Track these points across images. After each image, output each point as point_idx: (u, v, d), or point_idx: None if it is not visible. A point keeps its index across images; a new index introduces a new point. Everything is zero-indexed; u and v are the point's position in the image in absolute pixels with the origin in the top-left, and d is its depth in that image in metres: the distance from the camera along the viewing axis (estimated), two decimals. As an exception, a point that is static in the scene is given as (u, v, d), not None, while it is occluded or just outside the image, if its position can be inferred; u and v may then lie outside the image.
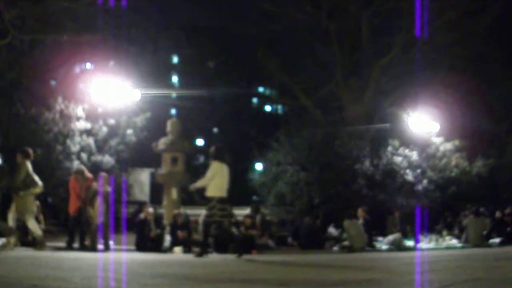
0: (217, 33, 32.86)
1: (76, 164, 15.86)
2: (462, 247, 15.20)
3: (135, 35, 20.19)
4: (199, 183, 10.75)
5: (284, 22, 22.55)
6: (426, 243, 15.50)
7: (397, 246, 14.92)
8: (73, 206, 12.73)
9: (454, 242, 15.91)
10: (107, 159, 16.59)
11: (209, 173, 10.54)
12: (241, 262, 10.02)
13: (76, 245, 12.54)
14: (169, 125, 17.98)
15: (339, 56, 23.02)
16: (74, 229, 12.70)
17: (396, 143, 19.18)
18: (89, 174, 13.03)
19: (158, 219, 14.11)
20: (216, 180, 10.47)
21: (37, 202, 13.28)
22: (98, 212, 12.32)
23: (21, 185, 11.40)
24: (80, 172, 12.88)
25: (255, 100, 43.65)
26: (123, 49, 18.40)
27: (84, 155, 16.13)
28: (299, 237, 15.49)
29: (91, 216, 12.44)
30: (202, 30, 35.51)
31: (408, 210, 18.05)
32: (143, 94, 17.22)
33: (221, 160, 10.65)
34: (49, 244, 12.67)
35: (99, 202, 12.31)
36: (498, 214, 16.80)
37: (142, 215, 13.46)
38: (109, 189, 12.66)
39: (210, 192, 10.50)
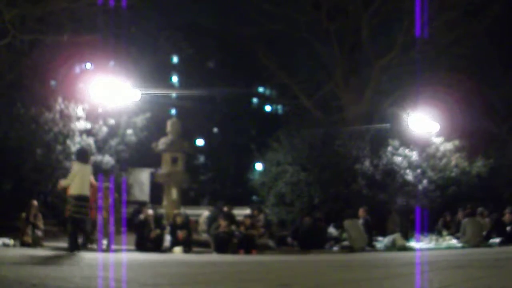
0: (217, 33, 32.83)
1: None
2: (462, 247, 15.19)
3: (135, 35, 20.14)
4: (63, 183, 11.54)
5: (284, 22, 22.55)
6: (426, 243, 15.49)
7: (397, 246, 14.93)
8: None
9: (454, 242, 15.90)
10: (107, 159, 16.59)
11: (71, 173, 11.38)
12: (241, 262, 10.02)
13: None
14: (169, 125, 18.00)
15: (339, 56, 23.01)
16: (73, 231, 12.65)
17: (396, 143, 19.17)
18: (94, 182, 12.94)
19: (158, 219, 14.10)
20: (76, 179, 11.29)
21: (35, 202, 13.30)
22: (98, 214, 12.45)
23: None
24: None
25: (255, 100, 43.62)
26: (123, 49, 18.39)
27: (84, 155, 16.11)
28: (298, 237, 15.49)
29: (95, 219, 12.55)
30: (202, 30, 35.47)
31: (407, 209, 18.06)
32: (143, 94, 17.21)
33: (82, 161, 11.50)
34: (49, 244, 12.69)
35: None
36: (495, 215, 16.80)
37: (141, 216, 13.45)
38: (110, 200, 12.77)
39: (71, 190, 11.33)
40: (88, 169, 11.64)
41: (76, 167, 11.42)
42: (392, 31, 22.32)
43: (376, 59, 22.38)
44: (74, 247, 11.28)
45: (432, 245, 15.43)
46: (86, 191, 11.46)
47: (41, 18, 15.77)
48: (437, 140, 20.28)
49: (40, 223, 13.21)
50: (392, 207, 18.09)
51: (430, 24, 19.92)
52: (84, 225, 11.60)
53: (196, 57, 38.96)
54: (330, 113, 23.49)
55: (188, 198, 22.35)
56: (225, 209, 15.67)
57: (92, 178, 12.91)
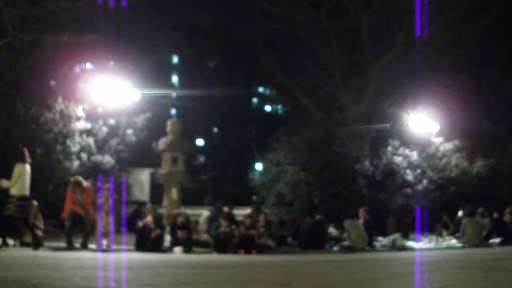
0: (217, 33, 32.84)
1: (76, 164, 15.86)
2: (462, 247, 15.19)
3: (135, 35, 20.16)
4: (6, 184, 11.64)
5: (284, 22, 22.54)
6: (426, 243, 15.49)
7: (397, 246, 14.93)
8: (66, 211, 12.69)
9: (454, 242, 15.91)
10: (107, 159, 16.58)
11: (15, 175, 11.55)
12: (241, 262, 10.02)
13: (77, 245, 12.53)
14: (169, 125, 18.00)
15: (339, 56, 23.01)
16: (71, 230, 12.64)
17: (396, 143, 19.17)
18: (86, 184, 12.94)
19: (158, 219, 14.08)
20: (20, 180, 11.53)
21: (35, 202, 13.28)
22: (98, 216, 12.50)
23: None
24: (78, 184, 12.80)
25: (255, 100, 43.60)
26: (123, 49, 18.39)
27: (84, 155, 16.13)
28: (298, 237, 15.48)
29: (93, 219, 12.59)
30: (202, 30, 35.48)
31: (407, 209, 18.06)
32: (143, 94, 17.21)
33: (23, 161, 11.71)
34: (49, 244, 12.69)
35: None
36: (495, 215, 16.80)
37: (140, 224, 13.26)
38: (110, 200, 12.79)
39: (13, 191, 11.51)
40: (28, 168, 11.79)
41: (19, 168, 11.56)
42: (392, 31, 22.32)
43: (376, 59, 22.38)
44: (37, 243, 11.44)
45: (432, 245, 15.43)
46: (28, 191, 11.67)
47: (41, 18, 15.77)
48: (437, 140, 20.28)
49: (40, 223, 13.20)
50: (392, 208, 18.09)
51: (430, 24, 19.92)
52: (23, 225, 11.73)
53: (196, 57, 38.98)
54: (330, 113, 23.48)
55: (188, 198, 22.35)
56: (226, 209, 15.66)
57: (84, 182, 12.93)
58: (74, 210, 12.50)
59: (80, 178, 13.05)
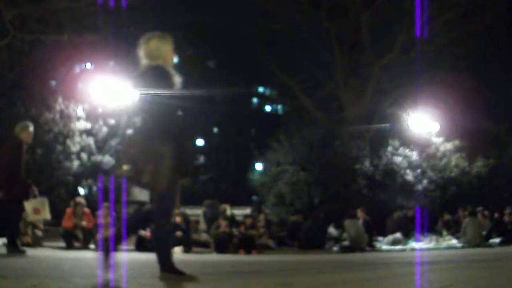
0: (217, 33, 32.81)
1: (76, 164, 15.86)
2: (462, 247, 15.20)
3: (135, 35, 20.13)
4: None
5: (284, 22, 22.55)
6: (426, 243, 15.49)
7: (397, 246, 14.92)
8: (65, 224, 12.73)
9: (454, 242, 15.91)
10: (107, 159, 16.59)
11: None
12: (241, 262, 10.02)
13: (77, 245, 12.54)
14: (169, 125, 17.98)
15: (339, 56, 23.01)
16: (68, 235, 12.61)
17: (396, 143, 19.17)
18: (87, 210, 12.94)
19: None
20: None
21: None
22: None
23: None
24: (81, 205, 12.81)
25: (255, 100, 43.61)
26: (123, 49, 18.38)
27: (84, 155, 16.14)
28: (298, 237, 15.47)
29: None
30: (202, 30, 35.45)
31: (407, 210, 18.06)
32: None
33: None
34: (49, 244, 12.69)
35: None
36: (496, 215, 16.79)
37: (142, 233, 13.16)
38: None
39: None
40: None
41: None
42: (392, 31, 22.32)
43: (376, 59, 22.38)
44: None
45: (432, 245, 15.42)
46: None
47: (41, 18, 15.79)
48: (437, 140, 20.29)
49: (40, 223, 13.18)
50: (392, 207, 18.08)
51: (430, 24, 19.92)
52: None
53: (196, 57, 38.95)
54: (330, 113, 23.49)
55: (188, 198, 22.34)
56: (227, 210, 15.65)
57: (86, 209, 12.92)
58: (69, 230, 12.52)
59: (84, 202, 13.04)
